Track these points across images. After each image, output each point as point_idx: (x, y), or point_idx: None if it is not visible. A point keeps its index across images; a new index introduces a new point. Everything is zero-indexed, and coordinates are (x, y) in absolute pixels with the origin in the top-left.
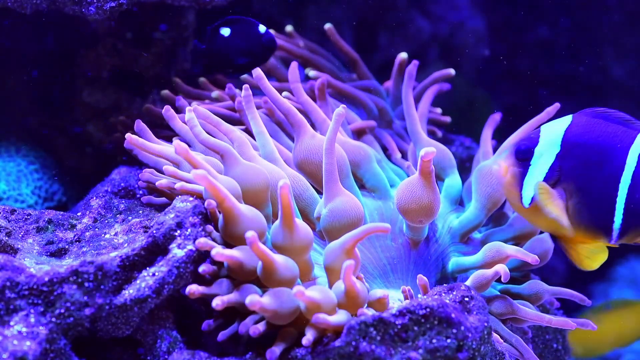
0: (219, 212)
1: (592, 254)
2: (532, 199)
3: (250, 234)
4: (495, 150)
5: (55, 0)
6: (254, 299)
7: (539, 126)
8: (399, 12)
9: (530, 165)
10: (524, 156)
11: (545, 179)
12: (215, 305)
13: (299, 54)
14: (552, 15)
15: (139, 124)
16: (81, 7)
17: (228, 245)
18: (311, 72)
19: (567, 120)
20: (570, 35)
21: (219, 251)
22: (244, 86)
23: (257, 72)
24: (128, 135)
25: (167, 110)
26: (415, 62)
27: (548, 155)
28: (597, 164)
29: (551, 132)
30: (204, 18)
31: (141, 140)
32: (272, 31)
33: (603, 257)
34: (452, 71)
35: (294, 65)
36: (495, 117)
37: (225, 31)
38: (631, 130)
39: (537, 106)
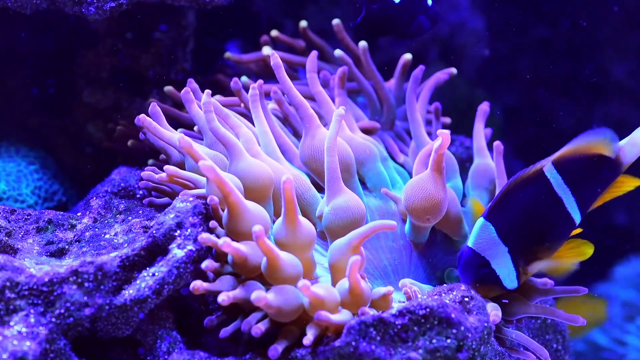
0: (221, 210)
1: (574, 254)
2: (517, 280)
3: (257, 228)
4: (488, 144)
5: (55, 0)
6: (260, 294)
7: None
8: None
9: (498, 276)
10: (490, 280)
11: (517, 269)
12: (222, 300)
13: (301, 62)
14: (552, 16)
15: (154, 108)
16: (81, 7)
17: None
18: (337, 52)
19: (487, 227)
20: (570, 35)
21: (227, 241)
22: (251, 85)
23: (276, 59)
24: (142, 116)
25: (187, 93)
26: (421, 67)
27: (504, 261)
28: (543, 222)
29: (489, 248)
30: (204, 18)
31: (154, 124)
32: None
33: (587, 248)
34: (454, 70)
35: (313, 54)
36: (484, 108)
37: None
38: (539, 178)
39: (537, 106)
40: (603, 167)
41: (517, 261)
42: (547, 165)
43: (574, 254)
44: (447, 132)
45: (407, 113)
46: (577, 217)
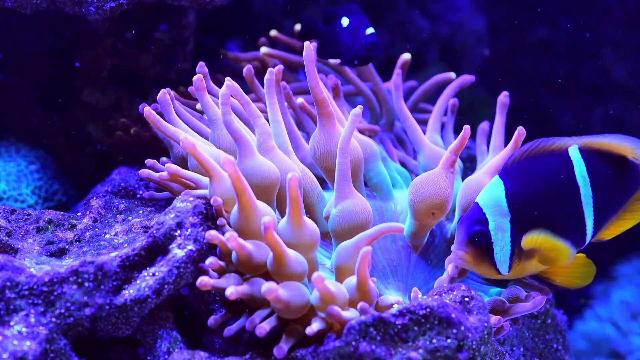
0: (225, 211)
1: (579, 273)
2: (509, 266)
3: (267, 219)
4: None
5: (55, 0)
6: (272, 286)
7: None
8: (399, 12)
9: (492, 243)
10: (482, 240)
11: (512, 247)
12: (230, 294)
13: (301, 62)
14: (552, 15)
15: (163, 95)
16: (81, 7)
17: None
18: (331, 61)
19: (498, 184)
20: (570, 35)
21: (233, 235)
22: (268, 69)
23: (309, 52)
24: (147, 109)
25: (200, 81)
26: (398, 72)
27: (503, 226)
28: (553, 203)
29: (493, 205)
30: (204, 18)
31: (157, 117)
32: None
33: (592, 271)
34: (472, 78)
35: (311, 45)
36: (503, 100)
37: (345, 21)
38: (562, 156)
39: (537, 106)
40: (626, 171)
41: (515, 238)
42: (572, 147)
43: (577, 275)
44: (468, 131)
45: (401, 120)
46: (589, 221)
